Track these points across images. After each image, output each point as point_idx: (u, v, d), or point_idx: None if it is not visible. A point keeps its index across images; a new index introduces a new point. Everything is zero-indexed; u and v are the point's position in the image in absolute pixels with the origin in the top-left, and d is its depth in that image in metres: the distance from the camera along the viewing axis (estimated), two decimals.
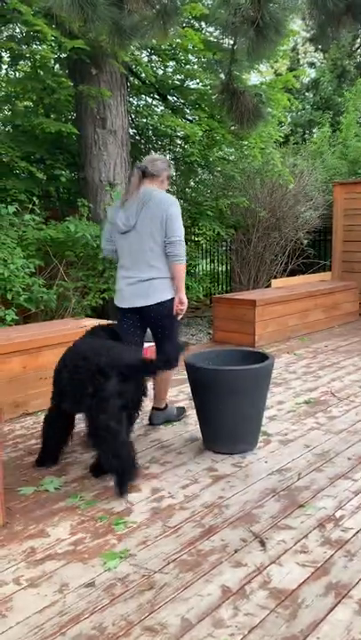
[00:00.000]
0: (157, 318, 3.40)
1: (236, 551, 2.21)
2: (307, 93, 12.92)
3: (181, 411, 3.82)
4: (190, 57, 7.63)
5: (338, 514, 2.50)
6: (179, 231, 3.30)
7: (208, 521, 2.45)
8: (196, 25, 7.71)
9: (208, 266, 10.77)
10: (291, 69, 12.16)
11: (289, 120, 12.26)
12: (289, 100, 8.37)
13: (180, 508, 2.58)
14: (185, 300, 3.39)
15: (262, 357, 3.35)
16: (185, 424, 3.72)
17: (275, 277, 8.56)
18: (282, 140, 9.53)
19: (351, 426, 3.63)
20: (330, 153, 10.16)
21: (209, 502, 2.62)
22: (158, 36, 2.81)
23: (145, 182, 3.38)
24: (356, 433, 3.51)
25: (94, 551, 2.23)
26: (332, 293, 7.39)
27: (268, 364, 3.21)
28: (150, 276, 3.34)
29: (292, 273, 9.14)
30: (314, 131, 11.48)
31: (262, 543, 2.27)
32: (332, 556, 2.18)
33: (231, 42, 3.14)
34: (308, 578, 2.04)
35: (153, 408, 3.71)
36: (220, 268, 10.69)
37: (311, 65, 14.54)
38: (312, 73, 13.77)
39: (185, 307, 3.40)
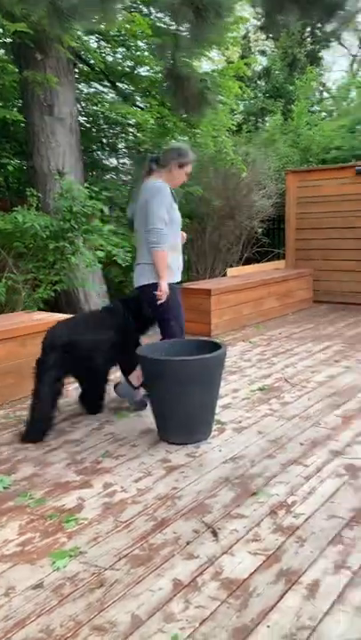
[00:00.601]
0: (145, 301, 3.58)
1: (188, 543, 2.20)
2: (259, 81, 12.96)
3: (142, 404, 3.77)
4: (140, 43, 7.51)
5: (290, 500, 2.52)
6: (154, 220, 3.36)
7: (161, 514, 2.42)
8: (145, 10, 7.59)
9: None
10: (242, 57, 12.13)
11: (242, 108, 12.28)
12: (240, 87, 8.36)
13: (133, 501, 2.54)
14: (162, 287, 3.40)
15: (215, 347, 3.34)
16: (140, 416, 3.68)
17: (231, 266, 8.58)
18: (235, 129, 9.53)
19: (303, 411, 3.67)
20: (282, 141, 10.23)
21: (162, 494, 2.60)
22: (99, 19, 2.71)
23: (155, 173, 3.51)
24: (307, 418, 3.55)
25: (43, 551, 2.17)
26: (285, 281, 7.47)
27: (220, 353, 3.20)
28: (139, 261, 3.57)
29: (248, 261, 9.19)
30: (266, 119, 11.54)
31: (215, 533, 2.26)
32: (283, 542, 2.18)
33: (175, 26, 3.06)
34: (259, 566, 2.04)
35: (126, 379, 3.78)
36: None
37: (263, 53, 14.57)
38: (264, 61, 13.80)
39: (162, 294, 3.40)
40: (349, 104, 12.37)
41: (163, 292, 3.41)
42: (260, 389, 4.19)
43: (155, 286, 3.42)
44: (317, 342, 5.68)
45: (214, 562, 2.07)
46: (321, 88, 16.10)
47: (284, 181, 8.65)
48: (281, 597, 1.87)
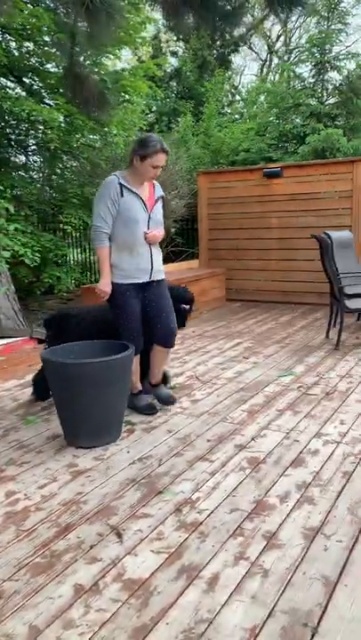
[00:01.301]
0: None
1: (91, 547, 2.18)
2: (170, 82, 13.08)
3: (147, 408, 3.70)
4: (46, 38, 7.34)
5: (195, 496, 2.57)
6: (93, 217, 3.38)
7: (65, 519, 2.39)
8: (52, 5, 7.41)
9: (80, 255, 10.55)
10: (154, 57, 12.19)
11: (154, 108, 12.33)
12: (151, 87, 8.40)
13: (37, 508, 2.49)
14: (99, 285, 3.39)
15: (122, 347, 3.33)
16: (47, 421, 3.60)
17: None
18: (147, 128, 9.56)
19: (212, 408, 3.76)
20: (193, 142, 10.39)
21: (67, 499, 2.56)
22: None
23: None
24: (215, 414, 3.63)
25: None
26: (199, 280, 7.60)
27: (128, 354, 3.20)
28: None
29: (163, 261, 9.25)
30: (179, 119, 11.67)
31: (119, 535, 2.26)
32: (186, 539, 2.22)
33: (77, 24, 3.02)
34: (161, 564, 2.06)
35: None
36: (93, 258, 10.53)
37: (174, 54, 14.71)
38: (175, 62, 13.95)
39: (99, 292, 3.41)
40: (259, 107, 12.78)
41: (99, 291, 3.39)
42: (172, 388, 4.23)
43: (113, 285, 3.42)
44: (228, 340, 5.83)
45: (117, 563, 2.07)
46: (233, 91, 16.52)
47: (196, 182, 8.78)
48: (181, 593, 1.90)
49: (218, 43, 13.55)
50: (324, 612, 1.80)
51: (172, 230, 8.89)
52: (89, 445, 3.14)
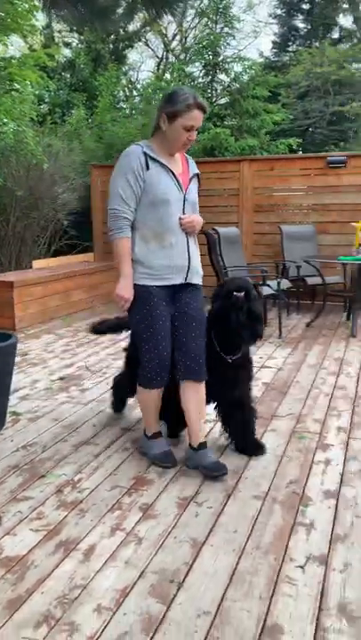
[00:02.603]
0: None
1: None
2: (64, 74, 12.88)
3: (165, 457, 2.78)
4: None
5: (77, 477, 2.65)
6: (109, 197, 2.63)
7: None
8: None
9: None
10: (46, 46, 11.93)
11: (47, 99, 12.10)
12: (42, 77, 8.25)
13: None
14: (117, 288, 2.63)
15: (5, 337, 3.31)
16: None
17: (39, 258, 8.47)
18: (40, 120, 9.38)
19: (100, 396, 3.84)
20: (87, 135, 10.34)
21: None
22: None
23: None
24: (103, 402, 3.72)
25: None
26: (93, 274, 7.62)
27: (11, 343, 3.20)
28: None
29: (57, 254, 9.15)
30: (72, 111, 11.54)
31: None
32: (65, 516, 2.31)
33: None
34: (40, 541, 2.13)
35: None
36: None
37: (67, 45, 14.49)
38: (69, 53, 13.74)
39: (118, 298, 2.65)
40: (155, 104, 12.95)
41: (118, 296, 2.63)
42: (61, 379, 4.26)
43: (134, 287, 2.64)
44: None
45: None
46: (130, 86, 16.58)
47: (89, 175, 8.77)
48: (57, 565, 1.99)
49: (112, 37, 13.55)
50: (190, 570, 1.97)
51: (65, 223, 8.81)
52: None
